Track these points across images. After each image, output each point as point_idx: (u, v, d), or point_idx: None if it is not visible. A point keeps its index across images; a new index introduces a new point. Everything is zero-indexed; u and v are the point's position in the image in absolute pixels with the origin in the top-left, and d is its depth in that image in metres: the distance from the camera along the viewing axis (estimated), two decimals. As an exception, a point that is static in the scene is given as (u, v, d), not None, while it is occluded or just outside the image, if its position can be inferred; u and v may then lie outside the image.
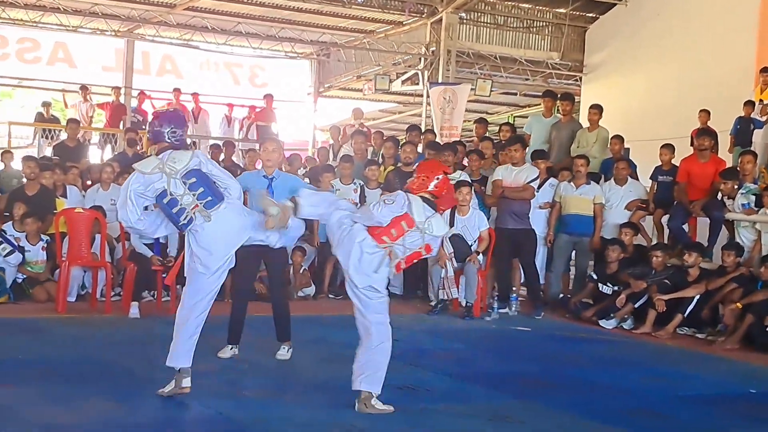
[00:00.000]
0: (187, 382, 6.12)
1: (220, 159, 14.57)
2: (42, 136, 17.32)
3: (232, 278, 7.72)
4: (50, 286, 10.11)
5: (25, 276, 10.18)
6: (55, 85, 22.05)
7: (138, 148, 14.13)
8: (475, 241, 10.57)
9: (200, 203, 6.05)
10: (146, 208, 6.22)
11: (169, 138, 6.20)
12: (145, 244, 9.70)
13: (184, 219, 6.07)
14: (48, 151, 15.48)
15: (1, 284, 9.83)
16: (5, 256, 9.96)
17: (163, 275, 10.01)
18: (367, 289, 6.08)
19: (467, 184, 10.76)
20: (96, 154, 16.91)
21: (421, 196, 6.20)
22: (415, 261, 6.26)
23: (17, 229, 10.20)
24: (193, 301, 6.22)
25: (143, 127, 18.12)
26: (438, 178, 6.28)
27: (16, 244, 10.05)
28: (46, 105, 19.07)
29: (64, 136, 15.09)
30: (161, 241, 9.81)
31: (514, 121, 23.48)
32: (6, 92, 27.13)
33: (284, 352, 7.63)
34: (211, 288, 6.25)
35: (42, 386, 6.33)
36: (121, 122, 18.33)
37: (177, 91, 19.34)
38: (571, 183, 11.37)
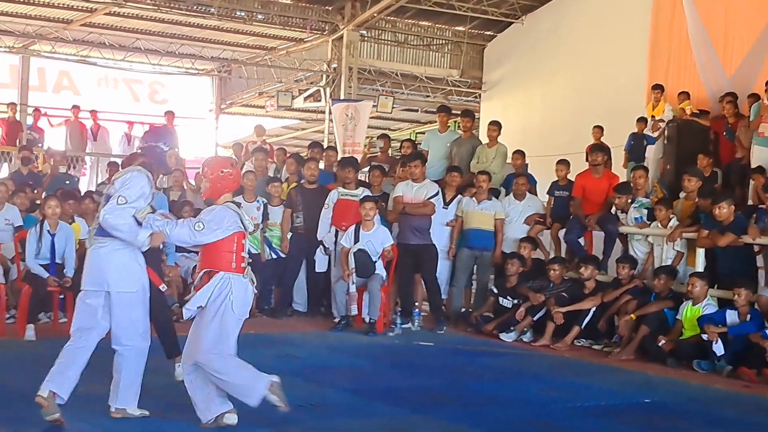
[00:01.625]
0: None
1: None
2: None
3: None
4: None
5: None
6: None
7: (33, 165, 13.82)
8: (379, 257, 10.59)
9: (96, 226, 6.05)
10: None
11: (142, 152, 6.33)
12: (41, 264, 9.48)
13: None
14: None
15: None
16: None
17: (60, 296, 9.82)
18: None
19: (371, 199, 10.81)
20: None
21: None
22: None
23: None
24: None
25: (39, 145, 17.77)
26: (230, 174, 6.20)
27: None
28: (-62, 124, 18.51)
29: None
30: (57, 261, 9.61)
31: (416, 137, 23.69)
32: None
33: (181, 371, 7.44)
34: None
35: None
36: (17, 140, 17.88)
37: (76, 108, 19.00)
38: (473, 198, 11.51)
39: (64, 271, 9.67)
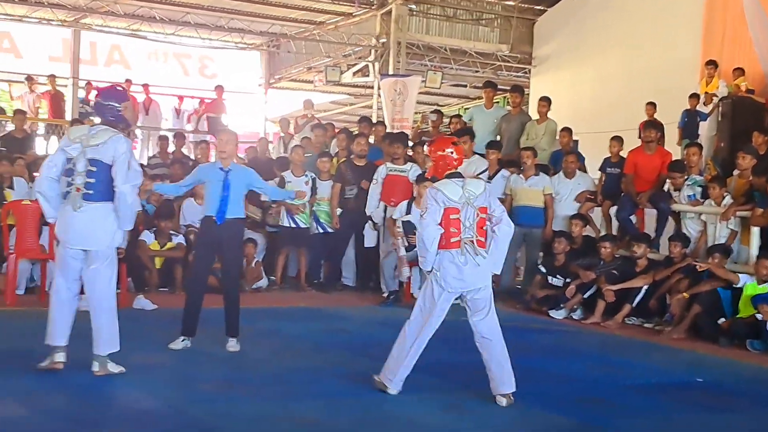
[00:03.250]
0: (60, 357, 6.42)
1: (170, 151, 14.48)
2: (-12, 127, 17.05)
3: (186, 270, 7.65)
4: (-2, 279, 9.98)
5: (-29, 270, 10.04)
6: (0, 76, 21.72)
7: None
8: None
9: (82, 190, 6.33)
10: None
11: (106, 114, 6.52)
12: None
13: (65, 194, 6.40)
14: (-5, 143, 15.24)
15: (-54, 278, 9.68)
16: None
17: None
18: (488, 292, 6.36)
19: (425, 180, 10.74)
20: (42, 146, 16.68)
21: (448, 176, 6.29)
22: (484, 228, 6.32)
23: (-37, 222, 10.05)
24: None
25: (91, 118, 17.96)
26: (452, 151, 6.37)
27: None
28: (-9, 95, 18.79)
29: (11, 127, 14.86)
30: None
31: (464, 112, 23.60)
32: (-50, 82, 26.63)
33: (234, 344, 7.59)
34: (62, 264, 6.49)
35: (-10, 379, 6.25)
36: (64, 112, 18.08)
37: (128, 81, 19.15)
38: (521, 175, 11.45)
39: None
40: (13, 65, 21.07)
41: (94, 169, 6.32)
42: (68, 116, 18.23)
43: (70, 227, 6.40)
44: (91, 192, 6.34)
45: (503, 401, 6.23)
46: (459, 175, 6.33)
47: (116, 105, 6.53)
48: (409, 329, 6.42)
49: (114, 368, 6.45)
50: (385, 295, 10.75)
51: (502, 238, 6.39)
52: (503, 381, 6.30)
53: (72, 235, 6.40)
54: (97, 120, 6.76)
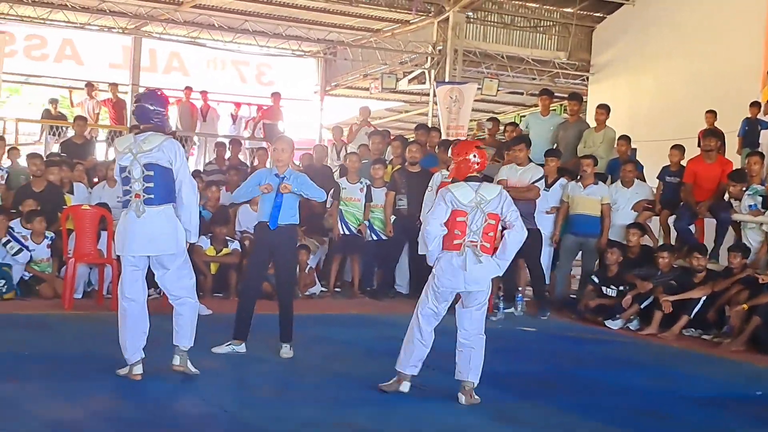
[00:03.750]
0: (137, 370, 6.41)
1: (226, 157, 14.58)
2: (49, 133, 17.34)
3: (240, 276, 7.68)
4: (57, 282, 10.12)
5: (31, 274, 10.18)
6: (62, 82, 22.09)
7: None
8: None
9: (142, 195, 6.33)
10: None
11: (153, 119, 6.48)
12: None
13: (126, 202, 6.43)
14: (55, 148, 15.48)
15: (8, 280, 9.83)
16: (14, 254, 9.96)
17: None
18: (485, 286, 6.45)
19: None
20: (102, 151, 16.92)
21: (467, 179, 6.42)
22: (491, 234, 6.42)
23: (24, 227, 10.20)
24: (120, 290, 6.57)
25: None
26: (474, 155, 6.47)
27: (23, 242, 10.05)
28: (54, 102, 19.08)
29: (71, 133, 15.10)
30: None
31: (520, 120, 23.49)
32: (13, 89, 27.13)
33: (287, 350, 7.62)
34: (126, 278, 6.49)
35: (47, 382, 6.34)
36: (126, 118, 18.31)
37: (188, 89, 19.37)
38: (579, 183, 11.34)
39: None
40: (75, 72, 21.43)
41: (151, 173, 6.33)
42: (129, 123, 18.46)
43: (133, 234, 6.38)
44: (151, 196, 6.35)
45: (462, 398, 6.38)
46: (477, 179, 6.42)
47: (161, 109, 6.55)
48: (413, 320, 6.59)
49: (191, 368, 6.52)
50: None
51: (510, 242, 6.51)
52: (463, 370, 6.50)
53: (136, 243, 6.38)
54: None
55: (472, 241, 6.28)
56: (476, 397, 6.38)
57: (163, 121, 6.57)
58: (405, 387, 6.46)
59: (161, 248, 6.44)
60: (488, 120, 14.93)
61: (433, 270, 6.43)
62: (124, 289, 6.49)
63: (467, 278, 6.31)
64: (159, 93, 6.92)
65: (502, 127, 15.40)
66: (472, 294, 6.44)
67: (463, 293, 6.47)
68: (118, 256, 6.89)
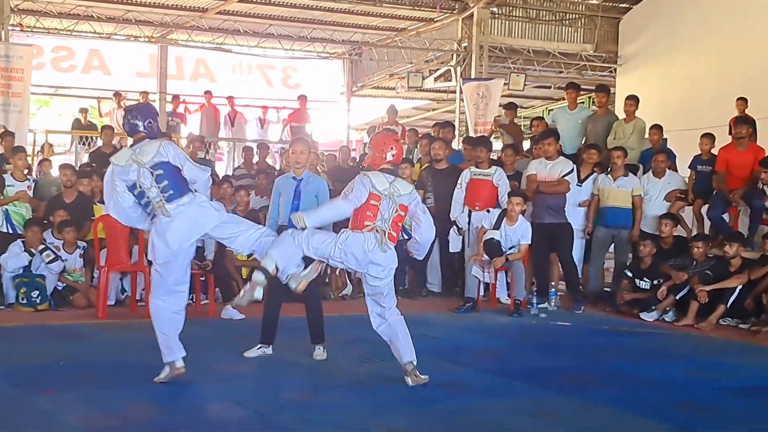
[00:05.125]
0: (180, 363, 6.47)
1: (254, 161, 14.61)
2: (79, 143, 17.46)
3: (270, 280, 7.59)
4: (90, 292, 10.17)
5: (64, 284, 10.25)
6: (90, 93, 22.27)
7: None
8: (511, 248, 10.43)
9: (163, 196, 6.34)
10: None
11: (144, 129, 6.57)
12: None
13: (150, 211, 6.41)
14: (86, 158, 15.59)
15: (42, 291, 9.89)
16: (49, 262, 10.03)
17: (201, 278, 10.07)
18: (384, 275, 6.60)
19: (519, 195, 10.62)
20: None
21: (381, 170, 6.69)
22: (399, 224, 6.64)
23: (56, 237, 10.27)
24: (156, 295, 6.53)
25: (178, 131, 18.29)
26: (392, 148, 6.85)
27: (56, 252, 10.11)
28: (83, 111, 19.25)
29: (100, 143, 15.20)
30: (198, 244, 9.83)
31: (548, 114, 23.37)
32: (43, 101, 27.43)
33: (320, 352, 7.61)
34: (171, 279, 6.47)
35: (82, 391, 6.36)
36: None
37: (208, 93, 19.47)
38: (609, 175, 11.24)
39: (205, 254, 9.92)
40: (103, 82, 21.61)
41: (161, 171, 6.35)
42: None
43: (171, 233, 6.35)
44: (171, 192, 6.35)
45: (408, 380, 6.61)
46: (392, 172, 6.69)
47: (148, 118, 6.63)
48: None
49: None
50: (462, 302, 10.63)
51: (423, 239, 6.95)
52: (396, 354, 6.74)
53: (178, 236, 6.37)
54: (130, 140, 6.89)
55: (381, 228, 6.46)
56: (422, 376, 6.57)
57: (152, 128, 6.61)
58: None
59: (207, 225, 6.50)
60: (504, 107, 14.80)
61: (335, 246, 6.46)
62: (155, 293, 6.52)
63: (369, 259, 6.45)
64: (143, 104, 7.02)
65: (527, 121, 15.31)
66: (370, 280, 6.60)
67: (365, 279, 6.67)
68: (150, 263, 6.90)
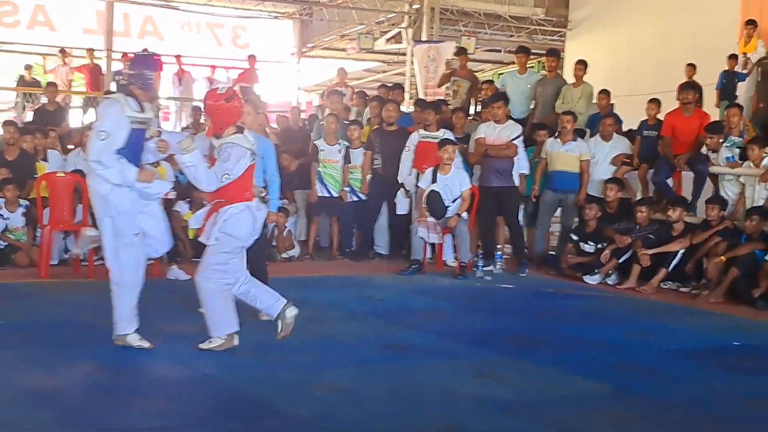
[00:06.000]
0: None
1: (202, 121, 14.44)
2: (24, 100, 17.15)
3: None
4: (32, 251, 10.03)
5: (6, 243, 10.09)
6: (35, 49, 21.84)
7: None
8: (454, 200, 10.49)
9: None
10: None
11: (139, 83, 6.37)
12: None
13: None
14: (30, 116, 15.33)
15: (-18, 250, 9.75)
16: (-11, 221, 9.87)
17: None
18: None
19: (451, 142, 10.70)
20: (77, 118, 16.77)
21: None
22: None
23: (-3, 195, 10.09)
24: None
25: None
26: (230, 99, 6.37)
27: (-4, 210, 9.95)
28: (28, 68, 18.89)
29: (45, 100, 14.95)
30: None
31: (498, 78, 23.40)
32: (-15, 57, 26.84)
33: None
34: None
35: (24, 350, 6.28)
36: (102, 84, 18.16)
37: (145, 51, 19.18)
38: (557, 139, 11.30)
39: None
40: (48, 39, 21.20)
41: None
42: (104, 89, 18.28)
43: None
44: None
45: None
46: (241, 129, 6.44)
47: (148, 72, 6.39)
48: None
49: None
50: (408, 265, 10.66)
51: None
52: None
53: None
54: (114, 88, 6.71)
55: (257, 188, 6.50)
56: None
57: (146, 84, 6.40)
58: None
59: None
60: (455, 54, 14.70)
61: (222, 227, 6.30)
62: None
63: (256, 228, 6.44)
64: (151, 55, 6.83)
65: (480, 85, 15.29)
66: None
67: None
68: (94, 222, 6.81)
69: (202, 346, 6.33)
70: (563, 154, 11.20)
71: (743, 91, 13.65)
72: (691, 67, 14.14)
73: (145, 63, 6.50)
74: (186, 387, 5.74)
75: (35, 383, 5.54)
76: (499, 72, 24.82)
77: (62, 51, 18.65)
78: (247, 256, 6.74)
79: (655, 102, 11.61)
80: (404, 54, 21.11)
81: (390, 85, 14.80)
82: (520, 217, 11.43)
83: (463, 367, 6.35)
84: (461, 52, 14.75)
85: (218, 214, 6.27)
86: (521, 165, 11.07)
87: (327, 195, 11.35)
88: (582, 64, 12.63)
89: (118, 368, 6.01)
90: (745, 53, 14.09)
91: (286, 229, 11.29)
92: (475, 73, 22.03)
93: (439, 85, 14.75)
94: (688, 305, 9.22)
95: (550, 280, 10.54)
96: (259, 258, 7.67)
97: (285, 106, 19.64)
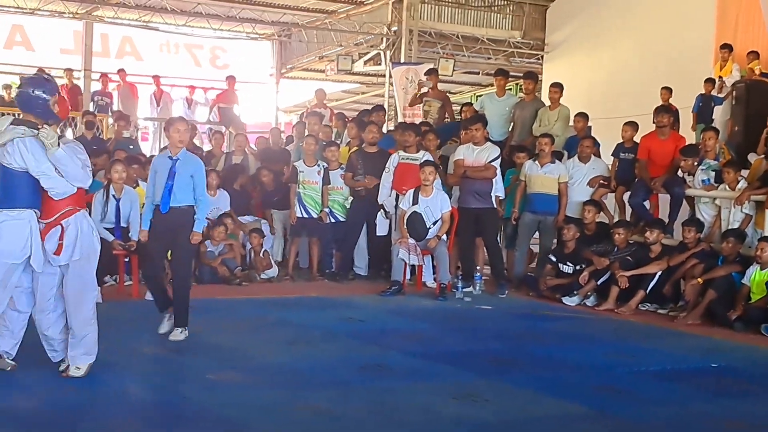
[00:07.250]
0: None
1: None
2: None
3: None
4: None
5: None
6: (12, 69, 21.74)
7: (96, 130, 14.01)
8: (435, 222, 10.54)
9: None
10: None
11: (36, 109, 5.95)
12: (106, 228, 9.57)
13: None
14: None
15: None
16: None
17: (125, 259, 9.94)
18: None
19: (431, 164, 10.75)
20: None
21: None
22: None
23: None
24: None
25: (109, 111, 18.00)
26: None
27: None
28: (7, 88, 18.78)
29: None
30: (122, 225, 9.72)
31: (476, 100, 23.52)
32: (-38, 77, 26.70)
33: (178, 333, 7.43)
34: None
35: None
36: (79, 105, 18.09)
37: (121, 71, 19.21)
38: (536, 162, 11.36)
39: (129, 234, 9.78)
40: (25, 58, 21.12)
41: None
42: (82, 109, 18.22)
43: None
44: None
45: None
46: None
47: (45, 96, 5.93)
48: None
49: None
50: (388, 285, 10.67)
51: None
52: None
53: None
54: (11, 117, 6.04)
55: None
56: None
57: (44, 109, 5.96)
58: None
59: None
60: (426, 74, 14.77)
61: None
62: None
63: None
64: (44, 77, 6.45)
65: (456, 108, 15.38)
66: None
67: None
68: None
69: None
70: (542, 177, 11.27)
71: (719, 114, 13.79)
72: (667, 90, 14.29)
73: (41, 84, 6.06)
74: (164, 410, 5.70)
75: (14, 404, 5.49)
76: (478, 94, 25.00)
77: (40, 71, 18.54)
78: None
79: (632, 125, 11.70)
80: (383, 75, 21.17)
81: (372, 106, 14.84)
82: (499, 239, 11.48)
83: (443, 388, 6.36)
84: (431, 72, 14.83)
85: None
86: (497, 188, 11.12)
87: (306, 216, 11.36)
88: (557, 87, 12.72)
89: (95, 391, 5.93)
90: (721, 77, 14.25)
91: (263, 249, 11.29)
92: (453, 95, 22.27)
93: (410, 105, 14.85)
94: (666, 327, 9.26)
95: (529, 301, 10.57)
96: (180, 276, 7.66)
97: (264, 127, 19.66)
